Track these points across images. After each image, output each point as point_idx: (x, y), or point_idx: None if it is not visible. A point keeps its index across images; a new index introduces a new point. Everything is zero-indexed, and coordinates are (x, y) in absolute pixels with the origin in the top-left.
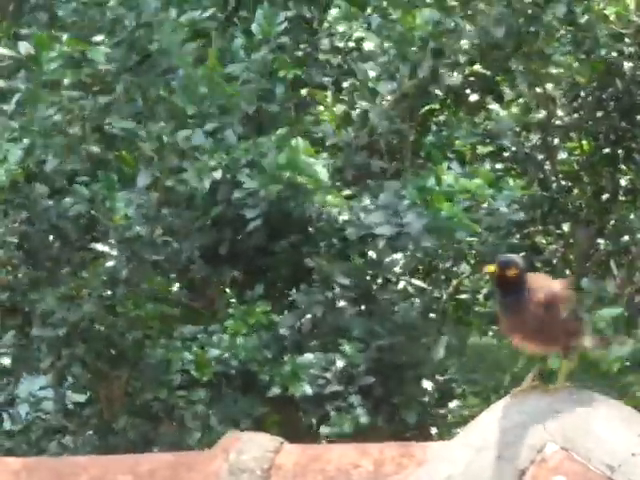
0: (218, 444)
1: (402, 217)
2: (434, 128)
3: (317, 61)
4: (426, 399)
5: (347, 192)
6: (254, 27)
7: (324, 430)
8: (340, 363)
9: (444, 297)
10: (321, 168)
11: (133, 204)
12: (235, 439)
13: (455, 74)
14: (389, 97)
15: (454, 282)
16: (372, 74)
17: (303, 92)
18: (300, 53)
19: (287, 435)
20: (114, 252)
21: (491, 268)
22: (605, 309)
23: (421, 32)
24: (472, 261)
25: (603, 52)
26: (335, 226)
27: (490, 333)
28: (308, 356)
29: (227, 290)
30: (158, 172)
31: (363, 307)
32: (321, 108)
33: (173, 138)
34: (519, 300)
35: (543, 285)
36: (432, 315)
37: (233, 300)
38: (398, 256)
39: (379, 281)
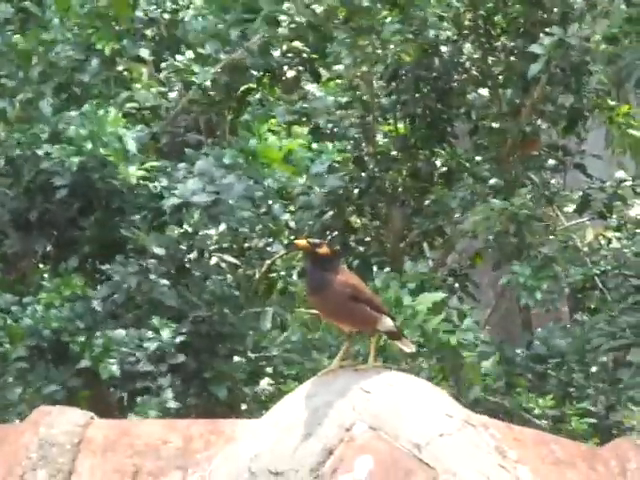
0: (29, 418)
1: (219, 184)
2: (251, 107)
3: (134, 34)
4: (239, 376)
5: (162, 162)
6: None
7: (131, 415)
8: (152, 342)
9: (256, 275)
10: (130, 140)
11: None
12: (46, 413)
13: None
14: (213, 70)
15: (267, 261)
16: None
17: (120, 67)
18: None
19: (98, 408)
20: None
21: (301, 242)
22: (427, 294)
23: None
24: (285, 241)
25: (432, 33)
26: (150, 197)
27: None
28: (120, 332)
29: (40, 264)
30: None
31: (178, 279)
32: (137, 85)
33: None
34: (325, 280)
35: (350, 275)
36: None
37: (46, 274)
38: (212, 232)
39: (193, 255)
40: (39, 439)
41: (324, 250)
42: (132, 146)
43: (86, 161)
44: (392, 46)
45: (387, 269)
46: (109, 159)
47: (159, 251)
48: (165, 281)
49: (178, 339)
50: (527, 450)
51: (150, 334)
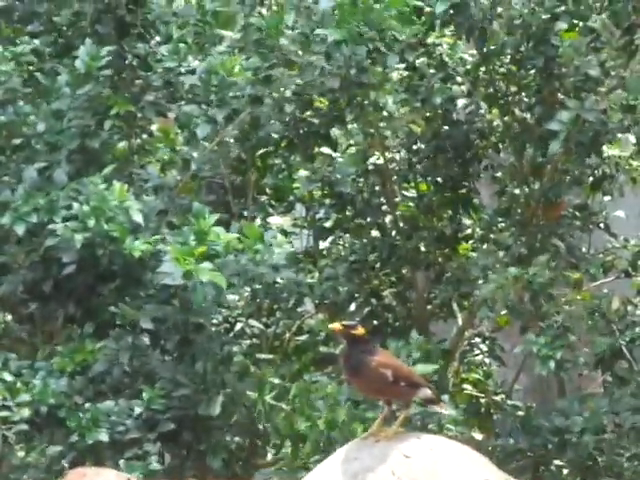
0: (64, 479)
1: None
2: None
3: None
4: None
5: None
6: (78, 63)
7: None
8: (139, 410)
9: (287, 336)
10: (136, 212)
11: None
12: (81, 474)
13: (276, 122)
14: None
15: (297, 322)
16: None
17: (153, 127)
18: (134, 89)
19: None
20: None
21: (337, 326)
22: (420, 365)
23: (240, 78)
24: (315, 302)
25: (438, 100)
26: (148, 272)
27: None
28: (109, 404)
29: (69, 325)
30: None
31: (175, 353)
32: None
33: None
34: (363, 362)
35: (386, 355)
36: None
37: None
38: (234, 297)
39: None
40: None
41: (359, 331)
42: (138, 217)
43: (91, 237)
44: (399, 117)
45: (398, 339)
46: (114, 234)
47: (147, 325)
48: (159, 356)
49: (170, 413)
50: None
51: (140, 403)
